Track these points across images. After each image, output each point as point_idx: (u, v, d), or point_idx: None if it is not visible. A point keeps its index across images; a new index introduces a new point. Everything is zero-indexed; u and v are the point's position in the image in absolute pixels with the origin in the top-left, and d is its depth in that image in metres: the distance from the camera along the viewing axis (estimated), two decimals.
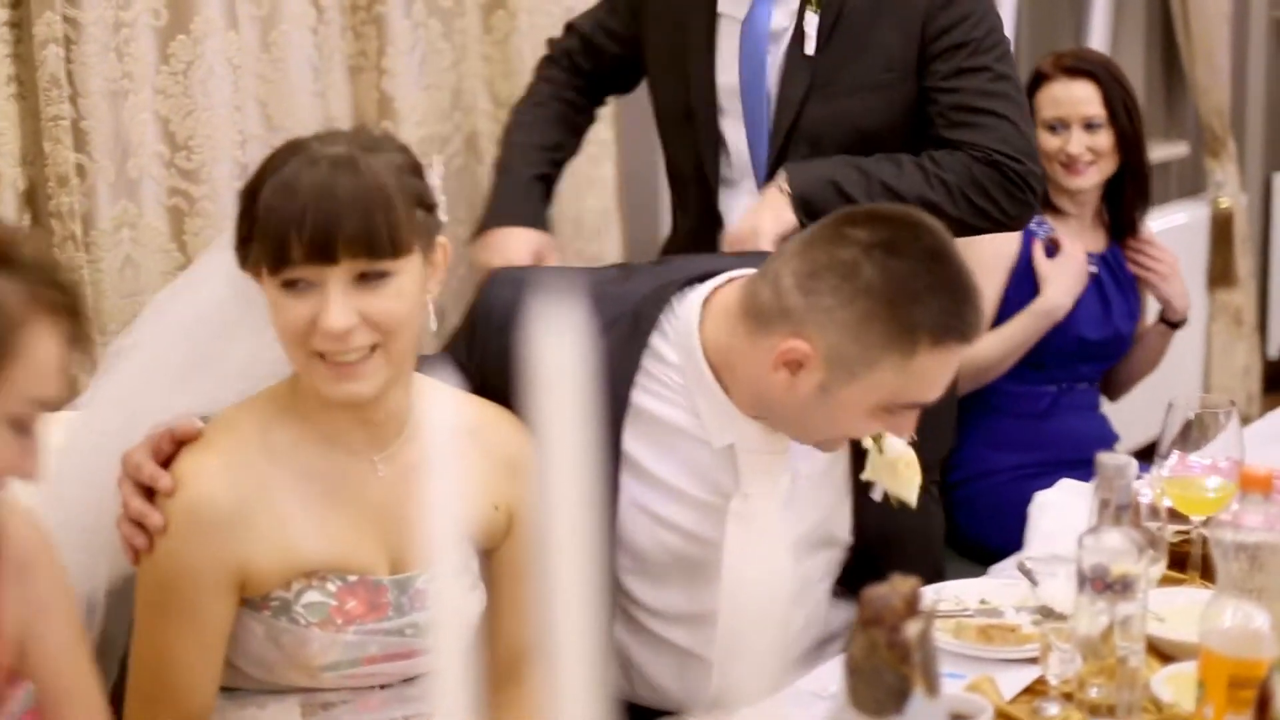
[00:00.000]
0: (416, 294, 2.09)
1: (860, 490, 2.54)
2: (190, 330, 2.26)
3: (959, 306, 2.26)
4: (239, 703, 2.20)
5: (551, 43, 3.39)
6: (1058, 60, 3.77)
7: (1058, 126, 3.71)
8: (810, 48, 2.99)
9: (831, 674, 2.20)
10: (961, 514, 3.55)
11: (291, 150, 2.08)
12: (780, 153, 3.00)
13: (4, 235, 1.75)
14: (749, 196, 3.04)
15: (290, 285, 2.04)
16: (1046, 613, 2.20)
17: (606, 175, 3.92)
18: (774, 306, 2.29)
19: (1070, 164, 3.69)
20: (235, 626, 2.15)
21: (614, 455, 2.44)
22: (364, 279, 2.04)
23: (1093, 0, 5.80)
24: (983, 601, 2.49)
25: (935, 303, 2.23)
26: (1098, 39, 5.78)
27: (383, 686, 2.22)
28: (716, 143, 3.10)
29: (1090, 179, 3.72)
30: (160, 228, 3.02)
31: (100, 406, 2.26)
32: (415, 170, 2.12)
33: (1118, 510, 2.08)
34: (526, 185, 3.20)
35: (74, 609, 2.01)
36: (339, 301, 2.02)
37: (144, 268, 2.97)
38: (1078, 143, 3.68)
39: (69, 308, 1.77)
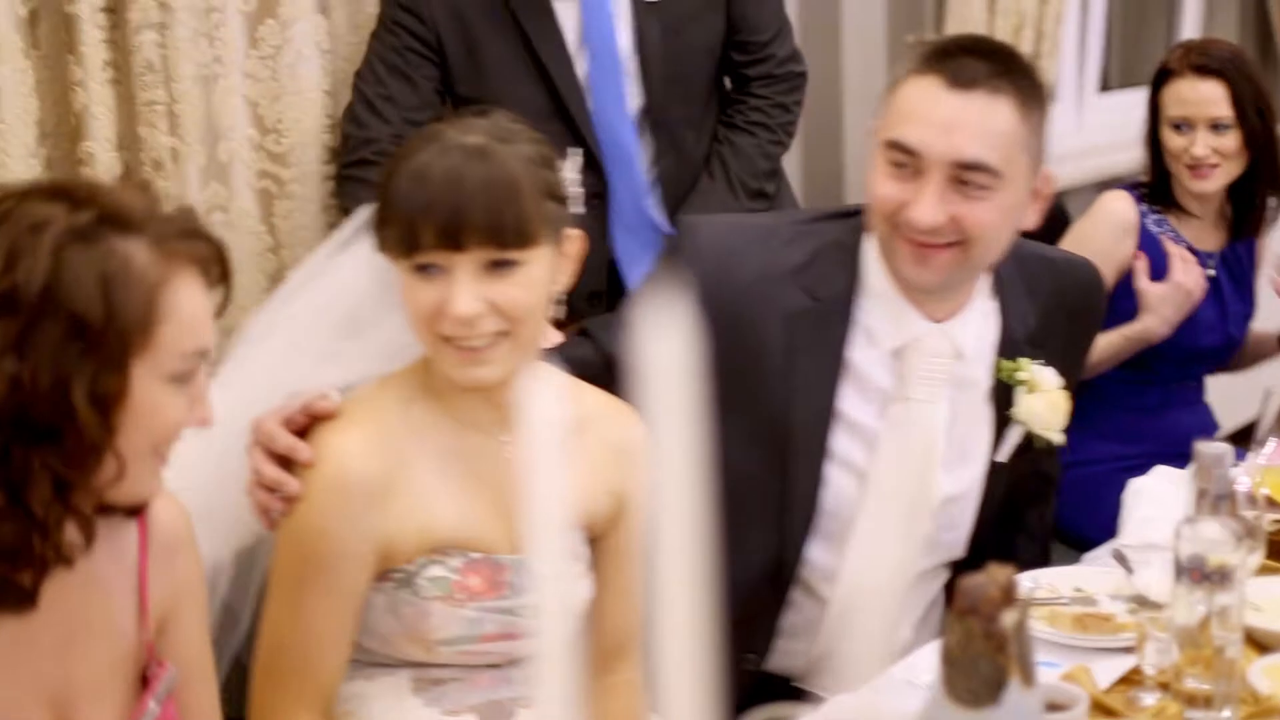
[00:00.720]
0: (545, 283, 2.12)
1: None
2: (329, 310, 2.30)
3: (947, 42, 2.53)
4: (349, 674, 2.22)
5: (346, 172, 3.09)
6: (1185, 55, 3.65)
7: (1183, 126, 3.60)
8: None
9: (926, 662, 2.19)
10: (1059, 501, 3.52)
11: (428, 138, 2.12)
12: (658, 107, 3.07)
13: (119, 200, 1.72)
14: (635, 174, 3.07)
15: (421, 269, 2.09)
16: (1141, 601, 2.18)
17: None
18: None
19: (1195, 167, 3.59)
20: None
21: (827, 416, 2.51)
22: (492, 266, 2.07)
23: None
24: (1078, 589, 2.46)
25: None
26: (1190, 25, 5.72)
27: (492, 666, 2.23)
28: (591, 133, 3.06)
29: (1216, 182, 3.62)
30: (250, 210, 3.04)
31: (234, 385, 2.29)
32: (548, 162, 2.14)
33: (1215, 499, 2.06)
34: None
35: (205, 590, 2.04)
36: (467, 288, 2.06)
37: (235, 250, 2.95)
38: (1203, 145, 3.57)
39: (202, 255, 1.75)
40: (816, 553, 2.58)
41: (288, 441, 2.11)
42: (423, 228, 2.05)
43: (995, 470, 2.63)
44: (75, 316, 1.63)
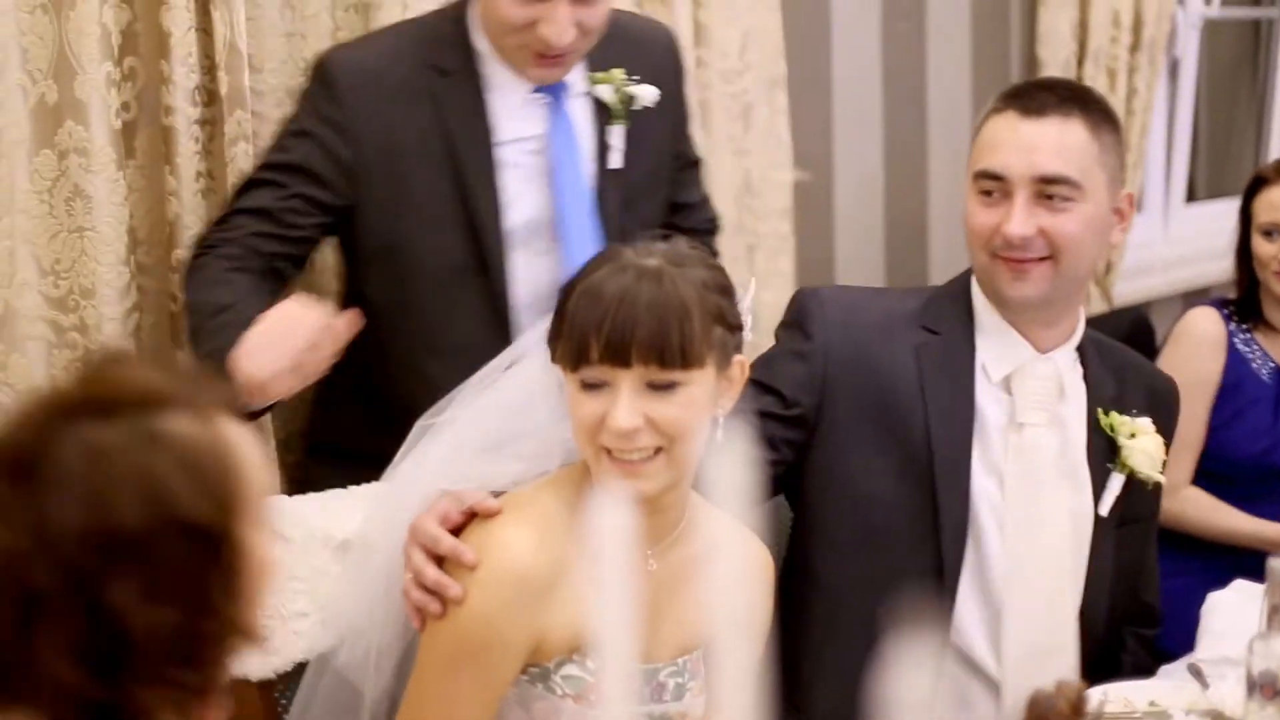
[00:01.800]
0: (705, 405, 2.18)
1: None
2: (499, 411, 2.36)
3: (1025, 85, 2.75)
4: None
5: (203, 242, 2.80)
6: (1279, 165, 3.68)
7: (1274, 233, 3.61)
8: (617, 160, 2.94)
9: None
10: None
11: (607, 257, 2.22)
12: None
13: (147, 383, 1.55)
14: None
15: (587, 383, 2.16)
16: (1217, 716, 2.18)
17: (786, 269, 3.95)
18: None
19: None
20: None
21: (967, 441, 2.63)
22: (654, 385, 2.14)
23: (1274, 94, 5.74)
24: (1152, 704, 2.45)
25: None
26: (1279, 136, 5.73)
27: None
28: (505, 290, 2.89)
29: None
30: None
31: (407, 478, 2.34)
32: (723, 289, 2.22)
33: None
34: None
35: None
36: (627, 404, 2.12)
37: None
38: None
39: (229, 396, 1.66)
40: (965, 608, 2.62)
41: (451, 544, 2.16)
42: (592, 343, 2.13)
43: (1099, 525, 2.68)
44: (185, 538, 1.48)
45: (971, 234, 2.65)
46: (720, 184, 3.76)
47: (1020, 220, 2.57)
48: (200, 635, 1.49)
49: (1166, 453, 2.72)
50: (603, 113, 2.96)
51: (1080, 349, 2.72)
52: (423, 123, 2.84)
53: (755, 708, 2.25)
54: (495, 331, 2.81)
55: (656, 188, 3.03)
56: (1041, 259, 2.59)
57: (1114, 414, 2.69)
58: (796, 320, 2.74)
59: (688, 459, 2.19)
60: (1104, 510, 2.67)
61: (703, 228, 3.16)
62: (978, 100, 4.47)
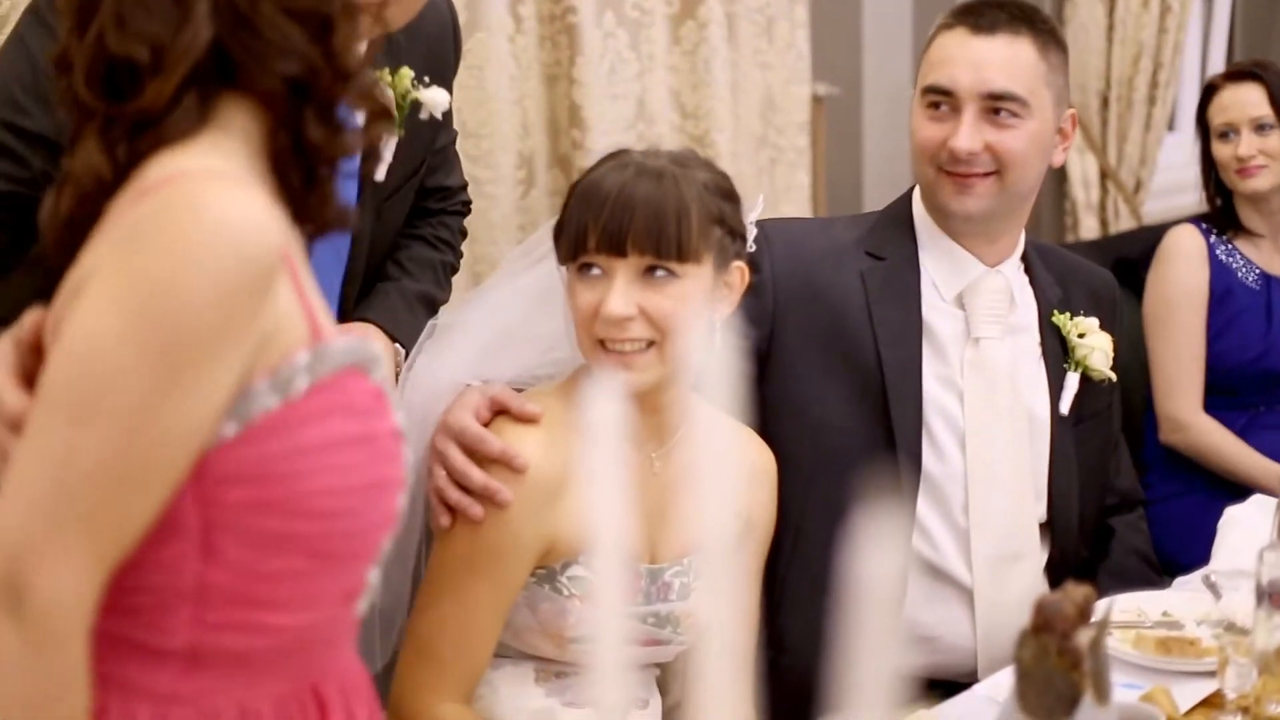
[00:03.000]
0: (699, 303, 2.22)
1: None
2: (503, 312, 2.39)
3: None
4: None
5: None
6: (1226, 71, 3.78)
7: (1229, 133, 3.68)
8: (382, 173, 2.50)
9: (1009, 680, 2.20)
10: (1156, 532, 3.51)
11: (612, 156, 2.28)
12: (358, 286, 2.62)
13: None
14: None
15: (584, 270, 2.21)
16: (1229, 626, 2.18)
17: (803, 183, 3.94)
18: None
19: (1242, 167, 3.65)
20: None
21: (917, 363, 2.67)
22: (650, 274, 2.19)
23: None
24: (1165, 614, 2.47)
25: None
26: None
27: None
28: None
29: (1265, 181, 3.66)
30: None
31: (416, 377, 2.36)
32: (725, 194, 2.26)
33: None
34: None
35: None
36: (622, 291, 2.18)
37: None
38: (1248, 145, 3.64)
39: None
40: (925, 513, 2.65)
41: (501, 446, 2.19)
42: (590, 231, 2.19)
43: (1059, 425, 2.73)
44: None
45: (918, 148, 2.69)
46: (744, 98, 3.75)
47: (967, 135, 2.61)
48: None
49: (1115, 349, 2.77)
50: None
51: (1024, 257, 2.78)
52: None
53: (747, 612, 2.30)
54: None
55: (410, 188, 2.69)
56: (986, 174, 2.64)
57: (1064, 316, 2.75)
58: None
59: (681, 355, 2.22)
60: (1064, 409, 2.72)
61: (454, 209, 2.87)
62: None
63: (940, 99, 2.65)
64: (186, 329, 1.41)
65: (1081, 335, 2.74)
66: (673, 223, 2.18)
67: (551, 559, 2.22)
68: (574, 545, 2.22)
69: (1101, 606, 2.23)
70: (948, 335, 2.70)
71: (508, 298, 2.41)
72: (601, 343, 2.20)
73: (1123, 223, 5.07)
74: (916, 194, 2.76)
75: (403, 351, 2.48)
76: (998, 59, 2.63)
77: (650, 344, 2.20)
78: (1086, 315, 2.77)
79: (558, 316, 2.35)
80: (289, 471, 1.48)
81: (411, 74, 2.51)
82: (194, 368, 1.41)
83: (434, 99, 2.53)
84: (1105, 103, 4.99)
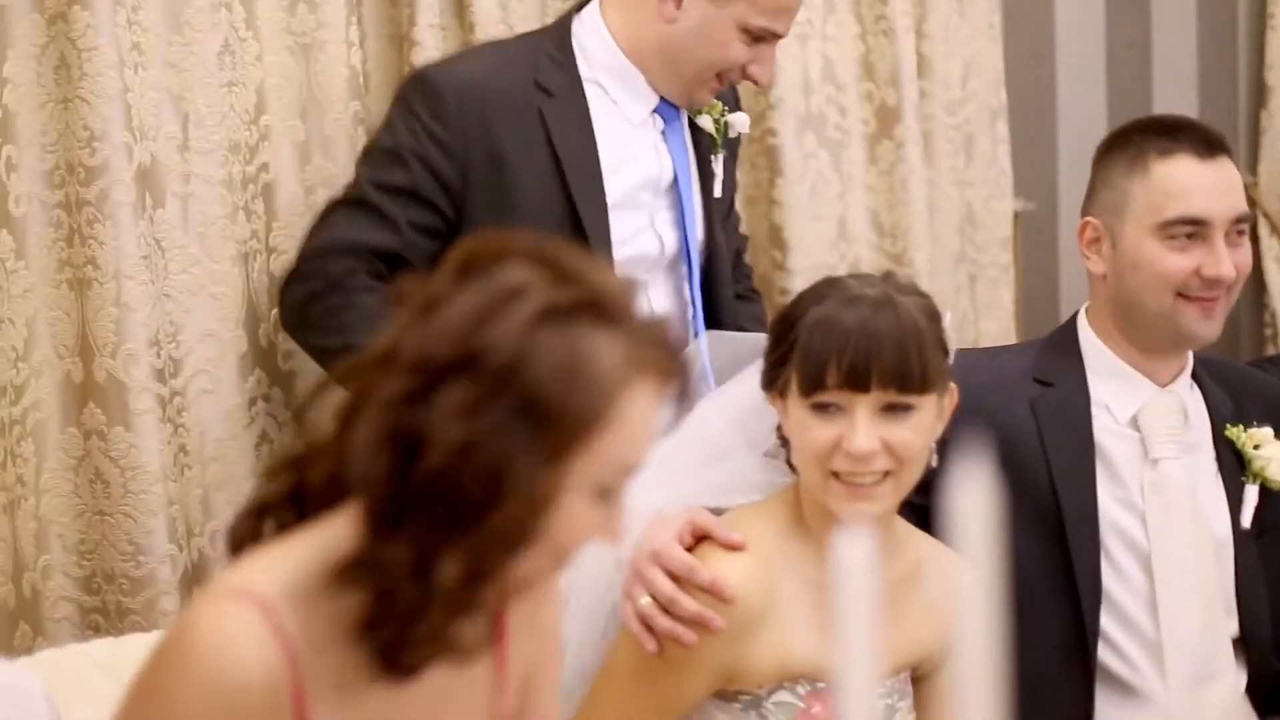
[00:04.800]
0: (932, 429, 2.25)
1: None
2: (704, 433, 2.39)
3: None
4: None
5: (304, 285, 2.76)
6: None
7: None
8: (719, 189, 2.95)
9: None
10: None
11: (829, 286, 2.29)
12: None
13: (604, 287, 1.62)
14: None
15: (821, 408, 2.21)
16: None
17: (1005, 300, 3.91)
18: None
19: None
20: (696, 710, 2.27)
21: (1092, 490, 2.63)
22: (889, 410, 2.21)
23: None
24: None
25: None
26: None
27: None
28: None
29: None
30: None
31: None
32: (935, 317, 2.28)
33: None
34: None
35: (561, 646, 1.97)
36: (866, 427, 2.19)
37: None
38: None
39: (667, 368, 1.65)
40: (1114, 634, 2.62)
41: (710, 577, 2.19)
42: (830, 369, 2.19)
43: (1242, 539, 2.69)
44: (530, 400, 1.55)
45: (1161, 278, 2.64)
46: (942, 215, 3.74)
47: (1228, 262, 2.62)
48: (485, 500, 1.57)
49: None
50: (699, 140, 2.91)
51: (1194, 374, 2.75)
52: (529, 140, 2.74)
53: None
54: None
55: (732, 218, 3.05)
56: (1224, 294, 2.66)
57: (1238, 428, 2.71)
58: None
59: (912, 482, 2.24)
60: (1245, 522, 2.68)
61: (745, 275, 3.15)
62: None
63: (1192, 229, 2.63)
64: None
65: (1257, 446, 2.70)
66: (915, 357, 2.19)
67: (748, 685, 2.23)
68: (775, 671, 2.22)
69: None
70: (1123, 457, 2.67)
71: (698, 424, 2.36)
72: (835, 474, 2.20)
73: None
74: (1082, 318, 2.75)
75: None
76: (1233, 183, 2.67)
77: (886, 474, 2.20)
78: (1260, 426, 2.72)
79: (760, 441, 2.35)
80: None
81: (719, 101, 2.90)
82: None
83: (738, 121, 2.95)
84: None
